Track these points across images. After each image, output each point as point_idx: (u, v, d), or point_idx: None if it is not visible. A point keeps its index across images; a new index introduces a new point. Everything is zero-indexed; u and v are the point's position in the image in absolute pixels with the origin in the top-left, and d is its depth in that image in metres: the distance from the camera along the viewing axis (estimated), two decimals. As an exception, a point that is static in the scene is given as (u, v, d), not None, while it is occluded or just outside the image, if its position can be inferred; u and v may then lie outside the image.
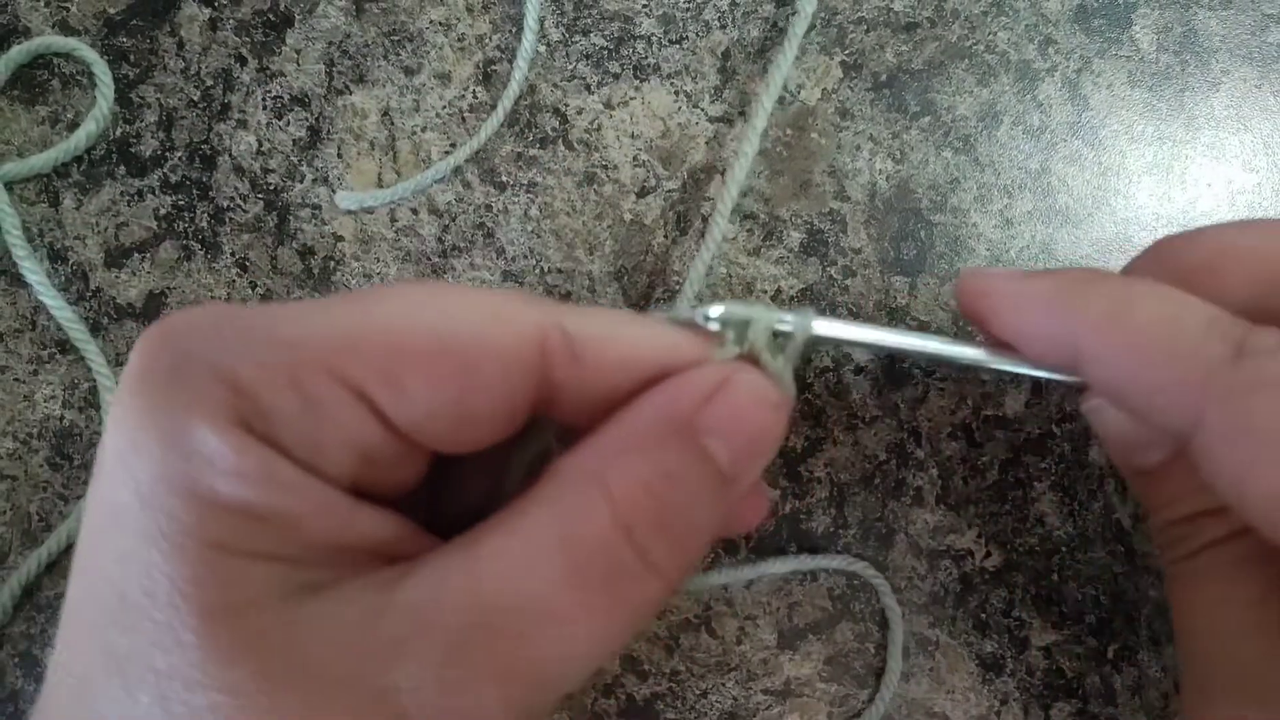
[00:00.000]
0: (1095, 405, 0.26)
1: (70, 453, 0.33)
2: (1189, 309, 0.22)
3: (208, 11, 0.34)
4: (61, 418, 0.33)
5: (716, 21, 0.34)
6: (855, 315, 0.33)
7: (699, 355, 0.22)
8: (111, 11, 0.34)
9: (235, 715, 0.16)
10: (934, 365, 0.32)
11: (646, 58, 0.34)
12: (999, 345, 0.25)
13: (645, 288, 0.33)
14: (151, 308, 0.33)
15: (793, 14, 0.33)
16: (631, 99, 0.34)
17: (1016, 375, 0.26)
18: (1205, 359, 0.20)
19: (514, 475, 0.25)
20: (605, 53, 0.34)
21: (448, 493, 0.25)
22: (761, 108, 0.31)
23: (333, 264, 0.33)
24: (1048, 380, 0.25)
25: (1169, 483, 0.25)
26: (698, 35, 0.34)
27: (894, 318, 0.33)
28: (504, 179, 0.34)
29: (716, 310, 0.23)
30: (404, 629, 0.18)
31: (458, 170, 0.34)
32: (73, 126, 0.34)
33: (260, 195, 0.34)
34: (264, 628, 0.17)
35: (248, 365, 0.18)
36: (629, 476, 0.20)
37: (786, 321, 0.23)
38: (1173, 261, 0.24)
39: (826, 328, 0.24)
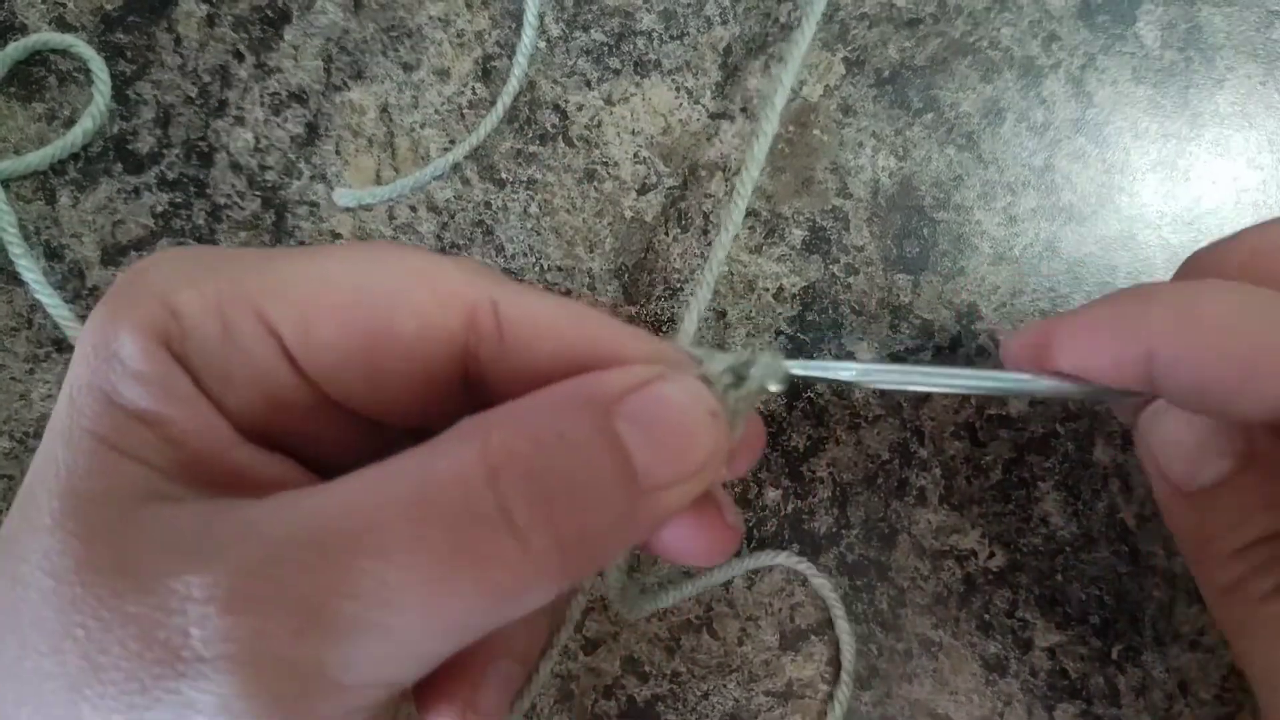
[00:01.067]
0: (1150, 423, 0.24)
1: (66, 452, 0.32)
2: (1251, 291, 0.21)
3: (205, 8, 0.34)
4: (58, 417, 0.33)
5: (718, 17, 0.34)
6: (858, 314, 0.33)
7: (630, 353, 0.20)
8: (109, 8, 0.34)
9: (55, 600, 0.16)
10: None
11: (647, 54, 0.34)
12: (1058, 376, 0.23)
13: (646, 285, 0.33)
14: (148, 306, 0.33)
15: (800, 16, 0.32)
16: (632, 95, 0.34)
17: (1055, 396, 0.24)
18: None
19: None
20: (605, 49, 0.34)
21: None
22: (771, 108, 0.31)
23: (331, 262, 0.33)
24: (1100, 400, 0.24)
25: (1236, 498, 0.23)
26: (699, 31, 0.34)
27: (897, 315, 0.33)
28: (503, 176, 0.33)
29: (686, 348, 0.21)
30: (226, 537, 0.16)
31: (457, 167, 0.33)
32: (69, 123, 0.33)
33: (258, 192, 0.33)
34: (106, 521, 0.17)
35: (186, 291, 0.19)
36: (514, 426, 0.17)
37: (750, 372, 0.21)
38: (1212, 273, 0.23)
39: (800, 368, 0.22)
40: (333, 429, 0.21)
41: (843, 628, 0.32)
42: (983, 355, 0.33)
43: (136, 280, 0.20)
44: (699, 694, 0.32)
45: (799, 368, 0.22)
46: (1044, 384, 0.23)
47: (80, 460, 0.18)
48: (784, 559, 0.32)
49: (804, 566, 0.32)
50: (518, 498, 0.17)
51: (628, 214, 0.33)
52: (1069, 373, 0.23)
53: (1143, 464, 0.26)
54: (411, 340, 0.20)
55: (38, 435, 0.32)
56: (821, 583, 0.32)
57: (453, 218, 0.33)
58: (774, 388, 0.20)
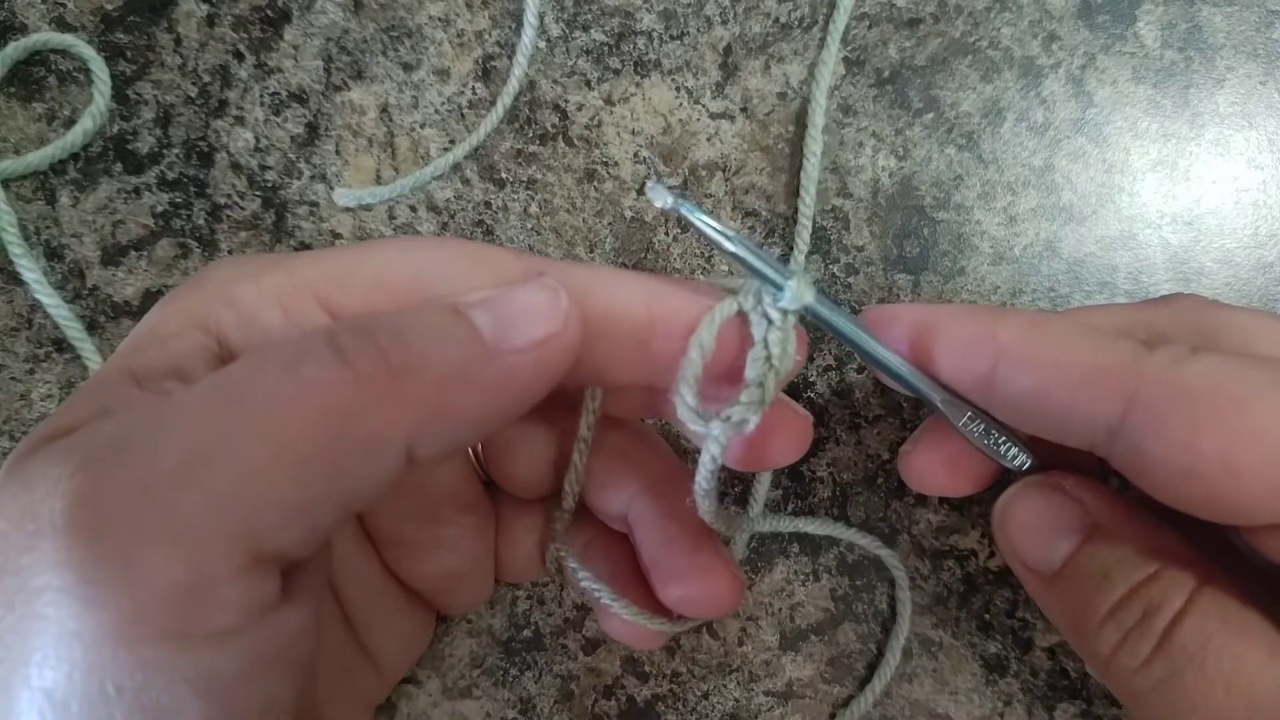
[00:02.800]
0: (1001, 515, 0.25)
1: (66, 452, 0.32)
2: (1098, 315, 0.24)
3: (205, 7, 0.34)
4: (58, 417, 0.33)
5: (718, 17, 0.34)
6: (859, 314, 0.33)
7: (691, 310, 0.22)
8: (109, 8, 0.34)
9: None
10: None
11: (647, 53, 0.34)
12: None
13: (646, 285, 0.33)
14: (148, 306, 0.33)
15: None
16: (632, 95, 0.34)
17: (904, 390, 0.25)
18: (1126, 348, 0.21)
19: (579, 455, 0.26)
20: (606, 48, 0.34)
21: (507, 463, 0.27)
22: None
23: (331, 262, 0.33)
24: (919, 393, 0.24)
25: (1091, 566, 0.23)
26: (699, 31, 0.34)
27: (897, 316, 0.33)
28: (503, 176, 0.33)
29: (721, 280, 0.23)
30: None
31: (457, 167, 0.33)
32: (69, 123, 0.33)
33: (258, 192, 0.33)
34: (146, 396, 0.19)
35: (246, 284, 0.21)
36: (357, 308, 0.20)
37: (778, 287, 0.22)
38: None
39: (822, 312, 0.23)
40: None
41: (902, 629, 0.32)
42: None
43: (202, 276, 0.22)
44: (699, 694, 0.32)
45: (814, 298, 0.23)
46: (903, 370, 0.24)
47: (139, 341, 0.20)
48: (867, 541, 0.32)
49: (885, 555, 0.32)
50: (348, 336, 0.18)
51: (628, 214, 0.33)
52: (933, 367, 0.24)
53: (1005, 558, 0.26)
54: None
55: (38, 435, 0.32)
56: (901, 575, 0.32)
57: (453, 218, 0.33)
58: (786, 305, 0.22)
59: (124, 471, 0.16)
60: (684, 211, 0.22)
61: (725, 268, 0.33)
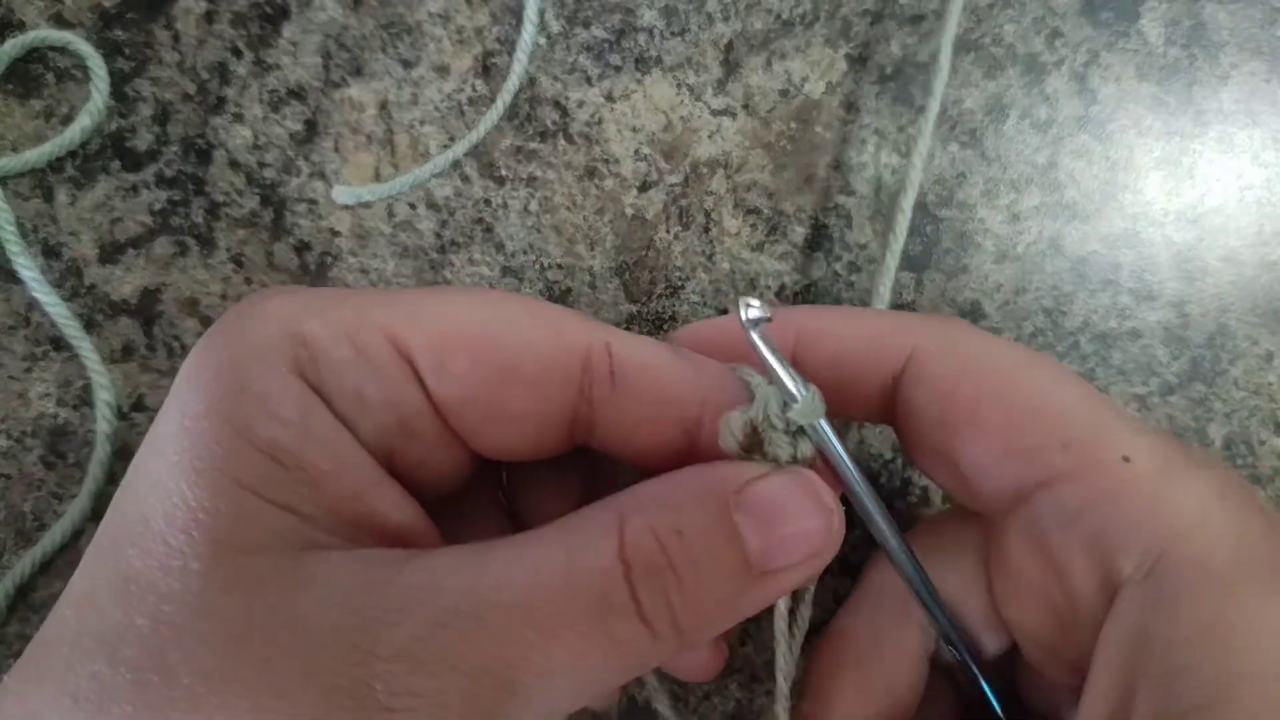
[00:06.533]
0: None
1: (64, 451, 0.32)
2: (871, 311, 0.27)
3: (203, 4, 0.34)
4: (55, 415, 0.32)
5: (719, 13, 0.34)
6: (860, 311, 0.33)
7: (729, 401, 0.22)
8: (106, 4, 0.34)
9: (221, 645, 0.17)
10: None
11: (648, 50, 0.34)
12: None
13: (647, 284, 0.33)
14: (146, 304, 0.33)
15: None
16: (633, 92, 0.33)
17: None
18: (908, 317, 0.24)
19: None
20: (606, 45, 0.34)
21: (530, 512, 0.27)
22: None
23: (329, 259, 0.33)
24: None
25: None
26: (700, 27, 0.34)
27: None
28: (503, 173, 0.33)
29: (748, 374, 0.22)
30: (397, 602, 0.18)
31: (456, 164, 0.33)
32: (67, 121, 0.33)
33: (256, 190, 0.33)
34: (266, 571, 0.18)
35: (313, 320, 0.20)
36: (643, 520, 0.19)
37: (791, 408, 0.21)
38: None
39: (831, 440, 0.22)
40: (443, 463, 0.22)
41: None
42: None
43: (254, 311, 0.20)
44: (700, 694, 0.32)
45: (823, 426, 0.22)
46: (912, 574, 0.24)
47: (220, 503, 0.18)
48: None
49: None
50: (645, 591, 0.19)
51: (629, 211, 0.33)
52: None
53: None
54: (534, 380, 0.21)
55: (35, 434, 0.32)
56: None
57: (452, 215, 0.33)
58: (795, 418, 0.21)
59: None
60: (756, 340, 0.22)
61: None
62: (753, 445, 0.21)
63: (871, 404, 0.24)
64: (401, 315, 0.20)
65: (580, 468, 0.27)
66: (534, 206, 0.33)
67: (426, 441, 0.21)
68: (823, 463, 0.22)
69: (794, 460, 0.21)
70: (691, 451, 0.22)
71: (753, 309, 0.21)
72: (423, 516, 0.21)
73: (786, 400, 0.21)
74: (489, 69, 0.34)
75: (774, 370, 0.21)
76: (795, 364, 0.23)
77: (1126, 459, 0.21)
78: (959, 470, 0.23)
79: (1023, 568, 0.22)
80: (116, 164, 0.33)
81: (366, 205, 0.33)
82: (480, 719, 0.17)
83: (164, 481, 0.18)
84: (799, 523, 0.20)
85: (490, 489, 0.27)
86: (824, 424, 0.21)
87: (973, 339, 0.23)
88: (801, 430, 0.21)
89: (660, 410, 0.22)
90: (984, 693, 0.25)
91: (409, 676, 0.17)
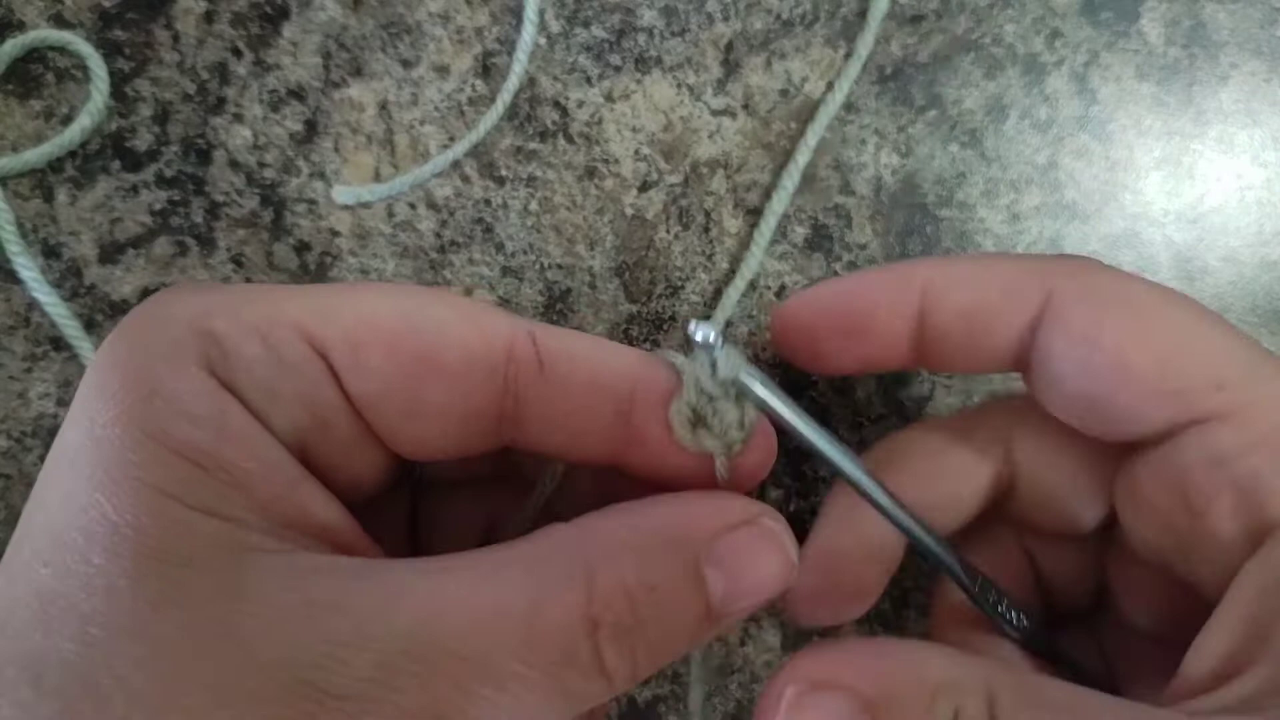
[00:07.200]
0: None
1: (64, 451, 0.32)
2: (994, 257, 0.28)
3: (203, 4, 0.34)
4: (55, 415, 0.32)
5: (719, 13, 0.34)
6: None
7: (664, 389, 0.21)
8: (106, 4, 0.34)
9: (159, 670, 0.16)
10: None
11: (648, 50, 0.34)
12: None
13: (647, 284, 0.33)
14: (146, 304, 0.33)
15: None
16: (633, 92, 0.33)
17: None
18: (1038, 261, 0.24)
19: (517, 528, 0.25)
20: (606, 45, 0.34)
21: (435, 536, 0.26)
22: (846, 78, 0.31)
23: (329, 259, 0.33)
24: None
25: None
26: (700, 27, 0.34)
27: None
28: (503, 173, 0.33)
29: (671, 355, 0.22)
30: (346, 632, 0.17)
31: (456, 164, 0.33)
32: (67, 121, 0.33)
33: (256, 190, 0.33)
34: (200, 584, 0.17)
35: (222, 318, 0.19)
36: (615, 573, 0.19)
37: (710, 369, 0.21)
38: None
39: (758, 387, 0.22)
40: (359, 463, 0.22)
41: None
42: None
43: (160, 310, 0.19)
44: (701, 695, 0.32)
45: (747, 375, 0.22)
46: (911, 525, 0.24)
47: (143, 517, 0.17)
48: None
49: None
50: (610, 648, 0.18)
51: (628, 212, 0.33)
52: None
53: None
54: (455, 372, 0.20)
55: (35, 434, 0.32)
56: None
57: (452, 215, 0.33)
58: (723, 374, 0.21)
59: None
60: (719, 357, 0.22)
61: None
62: (699, 424, 0.21)
63: (1007, 354, 0.24)
64: (315, 310, 0.20)
65: (488, 505, 0.26)
66: (534, 206, 0.33)
67: (343, 439, 0.21)
68: (769, 422, 0.22)
69: (742, 427, 0.21)
70: (625, 439, 0.22)
71: (700, 331, 0.21)
72: (347, 516, 0.21)
73: (713, 364, 0.21)
74: (489, 69, 0.34)
75: (702, 354, 0.21)
76: (922, 317, 0.24)
77: None
78: (1106, 414, 0.22)
79: (1154, 496, 0.22)
80: (116, 164, 0.33)
81: (366, 205, 0.33)
82: None
83: (78, 495, 0.17)
84: (762, 576, 0.20)
85: (403, 496, 0.26)
86: (757, 381, 0.21)
87: (1110, 279, 0.23)
88: (742, 396, 0.21)
89: (592, 397, 0.21)
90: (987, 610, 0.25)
91: (357, 713, 0.16)
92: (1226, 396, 0.21)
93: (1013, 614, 0.25)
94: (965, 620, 0.26)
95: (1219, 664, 0.20)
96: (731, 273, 0.33)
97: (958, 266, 0.24)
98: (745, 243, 0.33)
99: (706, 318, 0.33)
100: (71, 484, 0.17)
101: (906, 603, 0.32)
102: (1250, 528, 0.21)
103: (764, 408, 0.22)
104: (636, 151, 0.33)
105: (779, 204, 0.32)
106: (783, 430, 0.22)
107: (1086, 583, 0.26)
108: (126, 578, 0.16)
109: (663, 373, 0.22)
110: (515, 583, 0.18)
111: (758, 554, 0.20)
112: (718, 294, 0.33)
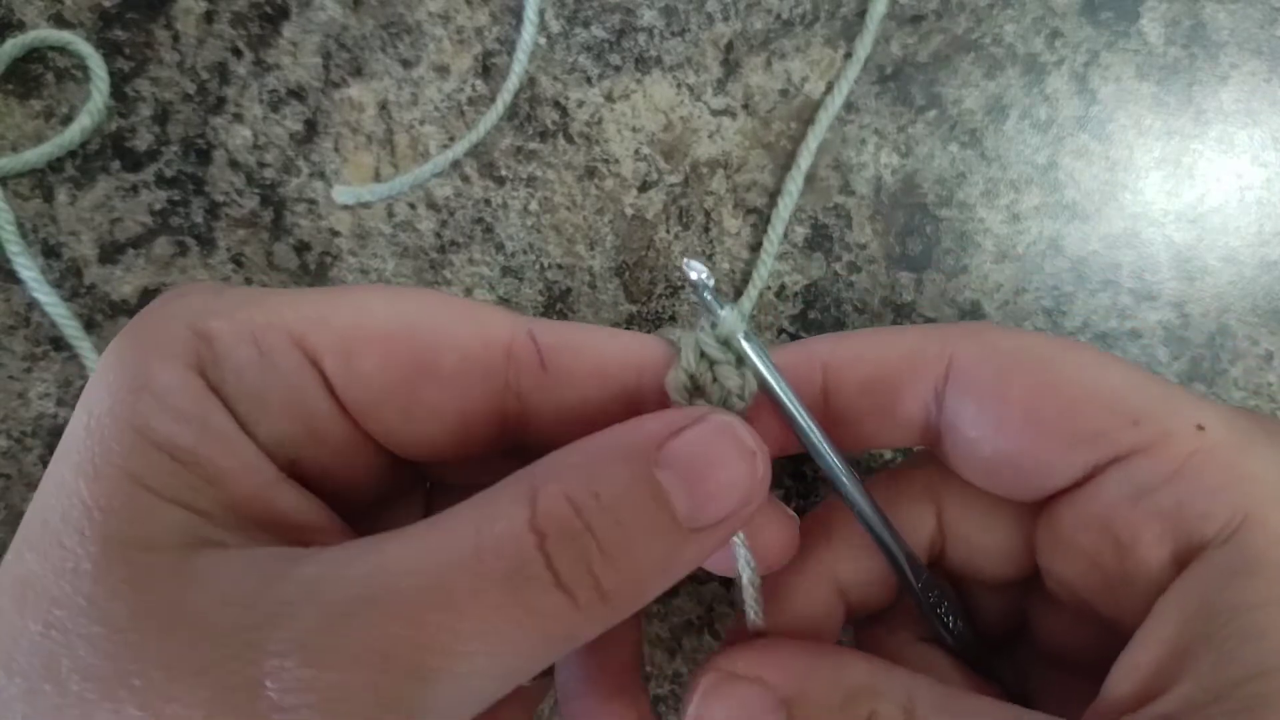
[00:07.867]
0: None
1: (64, 451, 0.32)
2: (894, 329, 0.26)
3: (203, 4, 0.34)
4: (55, 415, 0.32)
5: (719, 13, 0.34)
6: (860, 312, 0.33)
7: (664, 363, 0.21)
8: (106, 5, 0.34)
9: (111, 649, 0.16)
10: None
11: (648, 50, 0.34)
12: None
13: (647, 283, 0.33)
14: (146, 304, 0.33)
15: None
16: (633, 92, 0.33)
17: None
18: (939, 330, 0.23)
19: None
20: (606, 45, 0.34)
21: None
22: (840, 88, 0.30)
23: (329, 259, 0.33)
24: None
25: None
26: (700, 27, 0.34)
27: (900, 314, 0.33)
28: (503, 173, 0.33)
29: (672, 334, 0.22)
30: (289, 595, 0.17)
31: (456, 164, 0.33)
32: (67, 121, 0.33)
33: (256, 190, 0.33)
34: (157, 569, 0.17)
35: (218, 320, 0.19)
36: (557, 486, 0.18)
37: (711, 338, 0.22)
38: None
39: (753, 355, 0.22)
40: (357, 467, 0.22)
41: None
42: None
43: (162, 310, 0.20)
44: (700, 694, 0.32)
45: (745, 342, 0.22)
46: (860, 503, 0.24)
47: (117, 503, 0.18)
48: None
49: None
50: (563, 557, 0.17)
51: (628, 211, 0.33)
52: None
53: None
54: (453, 374, 0.20)
55: (35, 434, 0.32)
56: None
57: (452, 215, 0.33)
58: (723, 334, 0.22)
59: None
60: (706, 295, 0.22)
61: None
62: (697, 393, 0.21)
63: (915, 424, 0.23)
64: (311, 316, 0.20)
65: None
66: (534, 206, 0.33)
67: (335, 443, 0.21)
68: (767, 401, 0.22)
69: (740, 396, 0.21)
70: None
71: (693, 270, 0.22)
72: (331, 517, 0.21)
73: (713, 323, 0.21)
74: (489, 69, 0.34)
75: (702, 298, 0.22)
76: (826, 396, 0.23)
77: (1201, 427, 0.21)
78: (1025, 470, 0.22)
79: (1079, 538, 0.22)
80: (116, 164, 0.33)
81: (366, 205, 0.33)
82: (389, 712, 0.16)
83: (66, 482, 0.18)
84: (725, 472, 0.19)
85: (419, 500, 0.26)
86: (755, 350, 0.22)
87: (1008, 337, 0.23)
88: (740, 362, 0.21)
89: (598, 386, 0.21)
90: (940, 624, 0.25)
91: (302, 670, 0.16)
92: (1142, 430, 0.21)
93: (950, 619, 0.25)
94: (899, 633, 0.26)
95: (1141, 684, 0.20)
96: (732, 272, 0.33)
97: (855, 341, 0.24)
98: (746, 243, 0.33)
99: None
100: (63, 473, 0.18)
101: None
102: (1177, 553, 0.21)
103: (755, 372, 0.22)
104: (636, 151, 0.33)
105: (785, 210, 0.32)
106: (774, 400, 0.22)
107: (1008, 620, 0.26)
108: (91, 561, 0.17)
109: (664, 357, 0.22)
110: (461, 517, 0.18)
111: (713, 450, 0.19)
112: (718, 294, 0.33)
